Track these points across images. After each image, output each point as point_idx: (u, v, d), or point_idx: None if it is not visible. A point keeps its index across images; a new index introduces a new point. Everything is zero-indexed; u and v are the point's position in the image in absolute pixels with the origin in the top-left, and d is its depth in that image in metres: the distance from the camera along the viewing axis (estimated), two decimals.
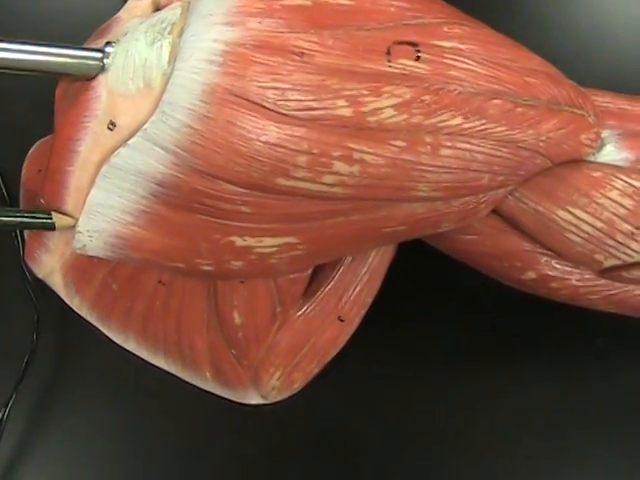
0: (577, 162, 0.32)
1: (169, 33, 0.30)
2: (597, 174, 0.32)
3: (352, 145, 0.28)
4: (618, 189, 0.31)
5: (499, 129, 0.29)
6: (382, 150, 0.28)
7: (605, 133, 0.33)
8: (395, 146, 0.28)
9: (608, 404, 0.39)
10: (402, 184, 0.29)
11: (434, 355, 0.39)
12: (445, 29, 0.30)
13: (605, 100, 0.34)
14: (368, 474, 0.36)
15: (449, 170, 0.29)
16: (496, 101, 0.30)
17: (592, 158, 0.33)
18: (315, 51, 0.29)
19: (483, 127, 0.29)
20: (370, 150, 0.28)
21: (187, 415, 0.37)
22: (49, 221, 0.31)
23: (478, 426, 0.37)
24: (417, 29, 0.29)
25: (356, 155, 0.28)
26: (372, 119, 0.28)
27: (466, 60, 0.30)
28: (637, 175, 0.32)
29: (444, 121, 0.29)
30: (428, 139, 0.29)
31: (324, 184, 0.28)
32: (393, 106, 0.28)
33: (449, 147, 0.29)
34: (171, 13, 0.30)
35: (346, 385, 0.38)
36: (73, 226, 0.30)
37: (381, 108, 0.28)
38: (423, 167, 0.29)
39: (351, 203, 0.29)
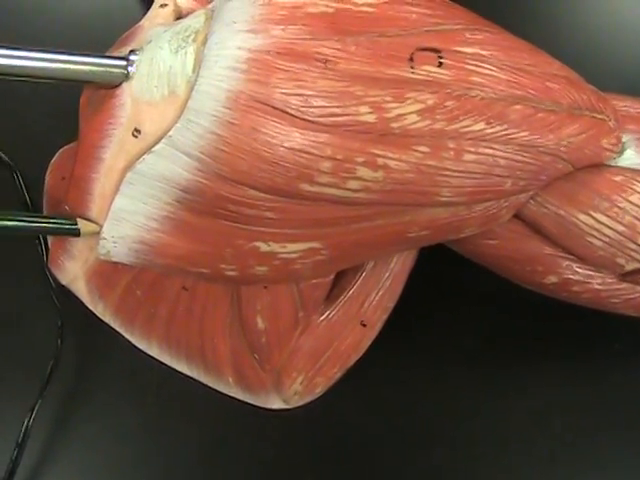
0: (598, 166, 0.32)
1: (193, 41, 0.30)
2: (618, 178, 0.32)
3: (376, 151, 0.28)
4: (639, 193, 0.31)
5: (521, 134, 0.30)
6: (406, 156, 0.28)
7: (626, 137, 0.34)
8: (419, 152, 0.29)
9: (626, 407, 0.39)
10: (426, 189, 0.29)
11: (451, 358, 0.39)
12: (467, 35, 0.30)
13: (625, 104, 0.35)
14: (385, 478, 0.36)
15: (472, 175, 0.29)
16: (517, 106, 0.30)
17: (613, 162, 0.33)
18: (338, 58, 0.29)
19: (505, 132, 0.29)
20: (394, 156, 0.28)
21: (209, 420, 0.37)
22: (74, 227, 0.31)
23: (496, 429, 0.38)
24: (439, 35, 0.30)
25: (380, 161, 0.28)
26: (396, 125, 0.28)
27: (488, 66, 0.30)
28: None
29: (467, 126, 0.29)
30: (451, 144, 0.29)
31: (348, 189, 0.29)
32: (416, 112, 0.29)
33: (472, 152, 0.29)
34: (195, 21, 0.31)
35: (363, 389, 0.38)
36: (97, 232, 0.31)
37: (404, 114, 0.28)
38: (447, 172, 0.29)
39: (375, 208, 0.29)
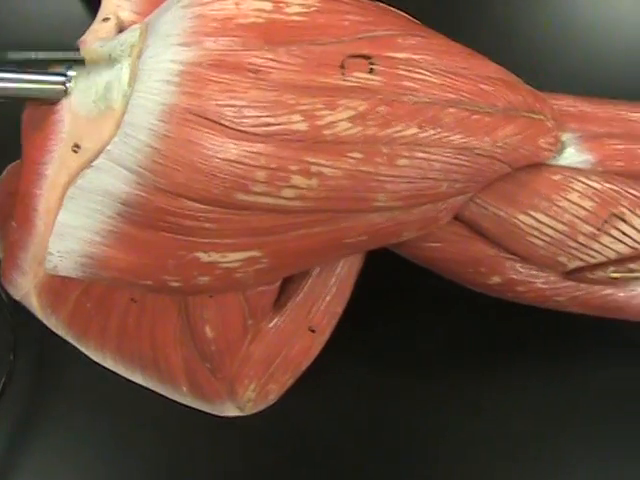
0: (537, 166, 0.32)
1: (129, 55, 0.30)
2: (557, 177, 0.32)
3: (309, 159, 0.28)
4: (578, 191, 0.32)
5: (455, 137, 0.30)
6: (339, 162, 0.29)
7: (566, 136, 0.34)
8: (352, 158, 0.29)
9: (589, 406, 0.39)
10: (361, 195, 0.29)
11: (409, 362, 0.39)
12: (399, 40, 0.30)
13: (566, 103, 0.35)
14: None
15: (407, 179, 0.29)
16: (451, 110, 0.30)
17: (553, 162, 0.33)
18: (270, 67, 0.29)
19: (439, 136, 0.30)
20: (327, 163, 0.29)
21: (169, 431, 0.37)
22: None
23: (460, 436, 0.38)
24: (371, 42, 0.30)
25: (314, 168, 0.28)
26: (328, 132, 0.29)
27: (420, 70, 0.30)
28: (597, 177, 0.32)
29: (399, 131, 0.29)
30: (385, 150, 0.29)
31: (283, 198, 0.29)
32: (348, 119, 0.29)
33: (406, 157, 0.29)
34: (130, 35, 0.31)
35: (328, 397, 0.38)
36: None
37: (336, 121, 0.29)
38: (381, 178, 0.29)
39: (312, 216, 0.29)
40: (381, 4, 0.32)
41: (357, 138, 0.29)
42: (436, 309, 0.40)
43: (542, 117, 0.32)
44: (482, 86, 0.31)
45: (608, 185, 0.32)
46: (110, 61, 0.31)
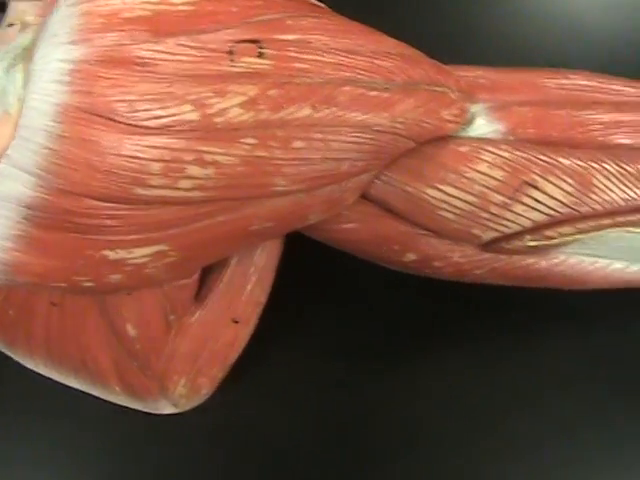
0: (444, 139, 0.32)
1: (22, 58, 0.30)
2: (464, 149, 0.32)
3: (203, 148, 0.28)
4: (487, 161, 0.31)
5: (351, 115, 0.30)
6: (234, 149, 0.28)
7: (475, 107, 0.33)
8: (246, 144, 0.29)
9: (528, 384, 0.39)
10: (259, 181, 0.29)
11: (351, 349, 0.39)
12: (289, 22, 0.30)
13: (476, 75, 0.35)
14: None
15: (305, 162, 0.29)
16: (346, 88, 0.30)
17: (462, 133, 0.33)
18: (158, 59, 0.29)
19: (334, 115, 0.29)
20: (221, 151, 0.28)
21: (107, 431, 0.37)
22: None
23: (397, 422, 0.37)
24: (260, 26, 0.30)
25: (208, 157, 0.28)
26: (219, 120, 0.28)
27: (312, 51, 0.30)
28: (507, 146, 0.32)
29: (292, 114, 0.29)
30: (279, 133, 0.29)
31: (182, 189, 0.29)
32: (239, 105, 0.29)
33: (302, 139, 0.29)
34: (24, 38, 0.31)
35: (262, 388, 0.38)
36: None
37: (227, 108, 0.28)
38: (278, 162, 0.29)
39: (213, 205, 0.29)
40: None
41: (250, 124, 0.29)
42: (373, 295, 0.40)
43: (445, 89, 0.32)
44: (379, 62, 0.31)
45: (518, 153, 0.32)
46: (7, 66, 0.31)
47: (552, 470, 0.37)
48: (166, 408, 0.36)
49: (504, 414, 0.38)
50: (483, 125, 0.33)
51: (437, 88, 0.31)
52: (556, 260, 0.34)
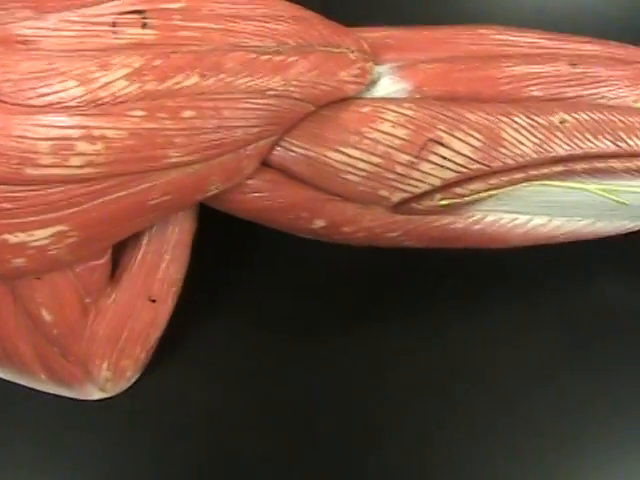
0: (345, 101, 0.31)
1: None
2: (366, 109, 0.31)
3: (90, 123, 0.28)
4: (390, 120, 0.31)
5: (242, 81, 0.29)
6: (121, 123, 0.28)
7: (381, 68, 0.33)
8: (134, 116, 0.28)
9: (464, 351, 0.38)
10: (151, 154, 0.28)
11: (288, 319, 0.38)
12: None
13: (382, 35, 0.34)
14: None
15: (197, 131, 0.29)
16: (235, 54, 0.29)
17: (367, 94, 0.32)
18: (39, 36, 0.29)
19: (223, 82, 0.29)
20: (109, 125, 0.28)
21: (39, 422, 0.36)
22: None
23: (331, 391, 0.37)
24: None
25: (96, 132, 0.28)
26: (105, 94, 0.28)
27: (198, 18, 0.29)
28: (411, 104, 0.31)
29: (180, 83, 0.28)
30: (168, 103, 0.28)
31: (73, 167, 0.28)
32: (124, 77, 0.28)
33: (191, 108, 0.28)
34: None
35: (191, 365, 0.37)
36: None
37: (112, 81, 0.28)
38: (168, 133, 0.28)
39: (108, 181, 0.29)
40: None
41: (136, 95, 0.28)
42: (300, 262, 0.39)
43: (344, 50, 0.31)
44: (270, 26, 0.30)
45: (423, 110, 0.31)
46: None
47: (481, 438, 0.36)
48: (94, 393, 0.36)
49: (443, 382, 0.37)
50: (389, 85, 0.32)
51: (334, 49, 0.31)
52: (473, 218, 0.33)
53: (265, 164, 0.31)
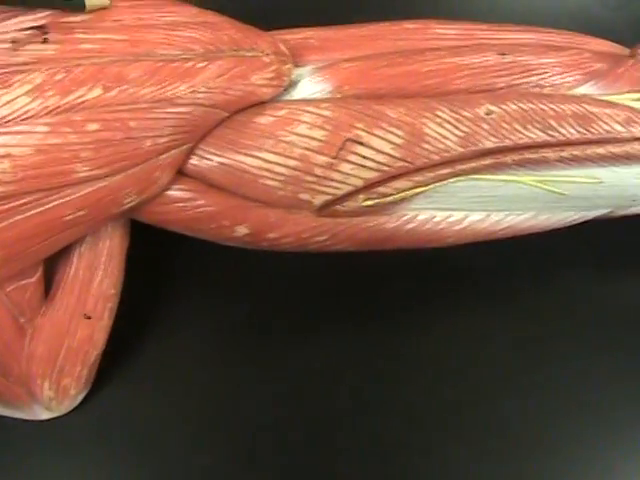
0: (260, 105, 0.31)
1: None
2: (282, 112, 0.30)
3: None
4: (306, 122, 0.30)
5: (146, 91, 0.29)
6: (26, 140, 0.28)
7: (302, 69, 0.32)
8: (38, 132, 0.28)
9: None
10: (59, 169, 0.28)
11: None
12: None
13: (305, 36, 0.33)
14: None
15: (103, 144, 0.28)
16: (139, 64, 0.29)
17: (287, 97, 0.31)
18: None
19: (127, 93, 0.29)
20: (14, 142, 0.28)
21: None
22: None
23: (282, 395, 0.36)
24: (46, 12, 0.29)
25: (2, 151, 0.28)
26: (7, 112, 0.28)
27: (100, 30, 0.29)
28: (328, 104, 0.31)
29: (82, 96, 0.28)
30: (72, 117, 0.28)
31: None
32: (26, 93, 0.28)
33: (95, 121, 0.28)
34: None
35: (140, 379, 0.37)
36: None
37: (14, 98, 0.28)
38: (74, 147, 0.28)
39: (19, 199, 0.29)
40: None
41: (39, 111, 0.28)
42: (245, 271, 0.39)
43: (257, 53, 0.31)
44: (176, 33, 0.30)
45: (340, 110, 0.31)
46: None
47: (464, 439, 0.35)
48: (42, 413, 0.35)
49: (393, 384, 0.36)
50: (309, 86, 0.32)
51: (246, 53, 0.30)
52: (404, 218, 0.32)
53: (182, 173, 0.30)
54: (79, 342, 0.33)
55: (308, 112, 0.30)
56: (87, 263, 0.33)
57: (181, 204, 0.31)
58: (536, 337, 0.38)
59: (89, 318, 0.33)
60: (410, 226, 0.32)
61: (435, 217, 0.32)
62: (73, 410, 0.36)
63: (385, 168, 0.30)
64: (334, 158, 0.30)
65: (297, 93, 0.31)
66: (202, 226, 0.31)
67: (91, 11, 0.29)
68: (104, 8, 0.30)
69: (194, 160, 0.30)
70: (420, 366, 0.38)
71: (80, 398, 0.36)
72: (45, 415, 0.35)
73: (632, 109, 0.32)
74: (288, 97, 0.31)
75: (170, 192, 0.30)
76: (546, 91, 0.33)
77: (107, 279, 0.33)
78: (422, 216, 0.32)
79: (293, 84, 0.31)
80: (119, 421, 0.37)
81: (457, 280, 0.39)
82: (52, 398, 0.34)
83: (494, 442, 0.35)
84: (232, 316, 0.38)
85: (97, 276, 0.33)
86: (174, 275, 0.39)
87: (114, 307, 0.34)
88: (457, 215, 0.32)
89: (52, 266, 0.33)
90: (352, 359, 0.37)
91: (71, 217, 0.29)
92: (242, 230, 0.31)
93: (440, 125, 0.31)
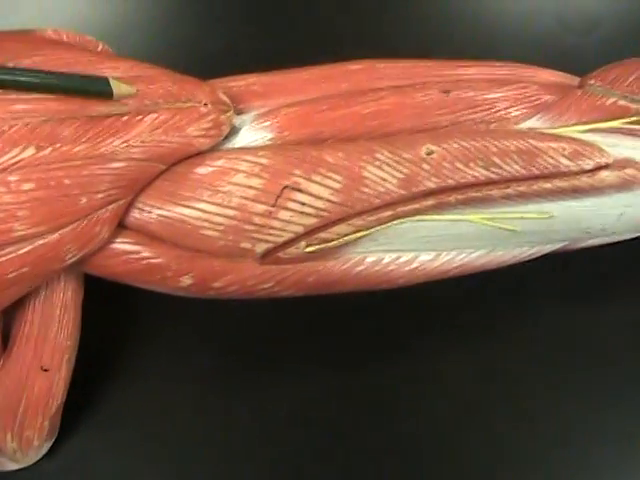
0: (200, 156, 0.31)
1: None
2: (220, 162, 0.30)
3: None
4: (244, 171, 0.30)
5: (79, 148, 0.29)
6: None
7: (244, 116, 0.33)
8: None
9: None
10: None
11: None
12: (27, 61, 0.30)
13: (248, 82, 0.34)
14: None
15: (39, 203, 0.29)
16: (71, 121, 0.29)
17: (229, 145, 0.31)
18: None
19: (60, 151, 0.29)
20: None
21: None
22: (106, 87, 0.30)
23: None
24: None
25: None
26: None
27: (33, 90, 0.29)
28: (266, 152, 0.31)
29: (16, 156, 0.28)
30: (6, 178, 0.28)
31: None
32: None
33: (30, 180, 0.29)
34: None
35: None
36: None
37: None
38: (10, 207, 0.29)
39: None
40: None
41: None
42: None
43: (193, 104, 0.31)
44: None
45: (278, 157, 0.31)
46: None
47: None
48: (8, 464, 0.35)
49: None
50: (250, 133, 0.32)
51: (182, 104, 0.30)
52: (351, 262, 0.32)
53: (124, 226, 0.30)
54: (38, 394, 0.33)
55: (245, 161, 0.30)
56: (42, 316, 0.33)
57: (125, 257, 0.31)
58: (505, 369, 0.37)
59: (46, 370, 0.33)
60: (358, 269, 0.32)
61: (384, 259, 0.32)
62: (41, 459, 0.36)
63: (324, 214, 0.30)
64: (273, 206, 0.30)
65: (239, 141, 0.31)
66: (147, 278, 0.31)
67: (119, 99, 0.30)
68: (131, 96, 0.30)
69: (134, 213, 0.30)
70: (387, 400, 0.37)
71: (46, 448, 0.36)
72: (12, 466, 0.35)
73: (579, 141, 0.32)
74: (230, 145, 0.31)
75: (113, 245, 0.31)
76: (492, 127, 0.32)
77: (63, 331, 0.33)
78: (370, 258, 0.32)
79: (235, 131, 0.31)
80: (87, 469, 0.37)
81: (424, 313, 0.39)
82: (16, 450, 0.34)
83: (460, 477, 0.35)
84: (199, 364, 0.38)
85: (52, 329, 0.33)
86: (140, 322, 0.39)
87: (72, 358, 0.34)
88: (407, 256, 0.32)
89: (8, 321, 0.33)
90: (320, 402, 0.37)
91: (14, 274, 0.30)
92: (187, 280, 0.31)
93: (379, 168, 0.30)
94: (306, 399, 0.37)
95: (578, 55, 0.43)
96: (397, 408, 0.36)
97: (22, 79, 0.29)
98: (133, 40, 0.44)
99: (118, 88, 0.29)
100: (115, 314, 0.38)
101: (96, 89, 0.30)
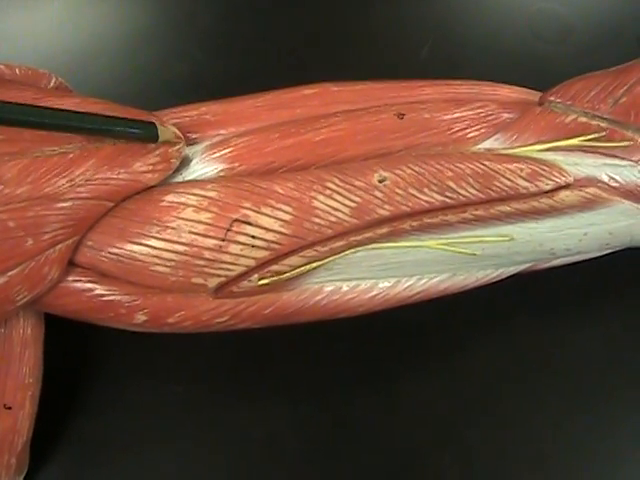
0: (148, 191, 0.30)
1: None
2: (169, 197, 0.30)
3: None
4: (193, 206, 0.30)
5: (23, 189, 0.29)
6: None
7: (196, 147, 0.32)
8: None
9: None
10: None
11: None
12: None
13: (199, 112, 0.33)
14: None
15: None
16: (14, 162, 0.29)
17: (180, 178, 0.31)
18: None
19: (3, 194, 0.28)
20: None
21: None
22: (153, 132, 0.31)
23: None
24: None
25: None
26: None
27: None
28: (214, 184, 0.30)
29: None
30: None
31: None
32: None
33: None
34: None
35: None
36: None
37: None
38: None
39: None
40: None
41: None
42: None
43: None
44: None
45: (227, 190, 0.30)
46: None
47: None
48: None
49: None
50: (201, 165, 0.31)
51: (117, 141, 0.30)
52: (308, 292, 0.31)
53: (75, 264, 0.30)
54: (3, 432, 0.33)
55: (194, 195, 0.30)
56: (2, 355, 0.33)
57: (77, 295, 0.31)
58: (473, 398, 0.37)
59: (9, 408, 0.33)
60: (316, 299, 0.31)
61: (342, 288, 0.31)
62: None
63: (276, 246, 0.30)
64: (223, 240, 0.29)
65: (190, 173, 0.31)
66: (101, 315, 0.31)
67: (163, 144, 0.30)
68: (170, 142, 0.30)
69: (85, 251, 0.30)
70: (361, 429, 0.36)
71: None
72: None
73: (538, 161, 0.31)
74: (181, 178, 0.31)
75: (65, 284, 0.30)
76: (450, 149, 0.31)
77: (24, 369, 0.33)
78: (328, 288, 0.31)
79: (187, 163, 0.31)
80: None
81: (393, 337, 0.38)
82: None
83: None
84: (166, 395, 0.37)
85: (13, 367, 0.33)
86: (107, 353, 0.38)
87: (35, 393, 0.34)
88: (365, 284, 0.32)
89: None
90: (291, 430, 0.37)
91: None
92: (141, 317, 0.31)
93: (330, 197, 0.30)
94: (277, 429, 0.36)
95: (551, 64, 0.42)
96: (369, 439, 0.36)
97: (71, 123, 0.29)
98: (101, 64, 0.43)
99: (163, 133, 0.30)
100: (80, 344, 0.38)
101: (142, 134, 0.30)
